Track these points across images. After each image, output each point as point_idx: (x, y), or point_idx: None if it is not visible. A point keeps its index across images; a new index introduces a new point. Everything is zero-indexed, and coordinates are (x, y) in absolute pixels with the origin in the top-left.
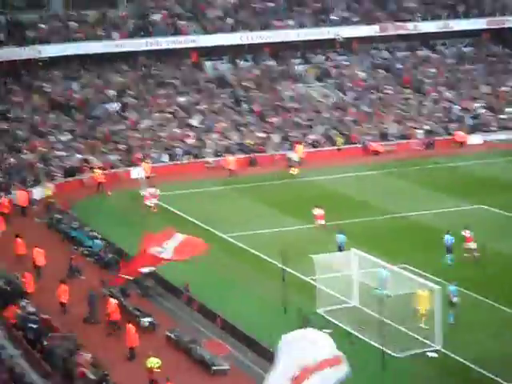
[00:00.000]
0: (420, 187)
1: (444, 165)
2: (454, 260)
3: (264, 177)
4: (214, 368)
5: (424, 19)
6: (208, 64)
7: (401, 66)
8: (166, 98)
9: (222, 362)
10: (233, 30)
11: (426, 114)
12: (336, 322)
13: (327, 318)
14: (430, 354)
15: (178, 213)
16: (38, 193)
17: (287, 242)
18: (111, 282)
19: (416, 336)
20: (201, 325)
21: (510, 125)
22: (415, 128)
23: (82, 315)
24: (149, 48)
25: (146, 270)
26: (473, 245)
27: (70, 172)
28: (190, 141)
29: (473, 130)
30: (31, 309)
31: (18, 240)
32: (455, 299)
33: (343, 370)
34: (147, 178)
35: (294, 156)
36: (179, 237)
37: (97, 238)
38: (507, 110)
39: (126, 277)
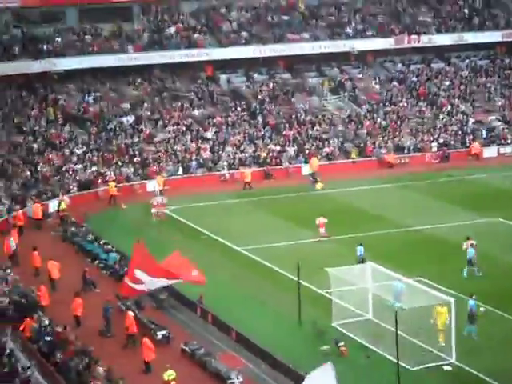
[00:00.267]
0: (435, 200)
1: (459, 178)
2: (477, 272)
3: (279, 189)
4: (229, 381)
5: (439, 32)
6: (223, 77)
7: (415, 79)
8: (181, 111)
9: (237, 375)
10: (247, 43)
11: (441, 126)
12: (351, 335)
13: (342, 331)
14: (445, 367)
15: (193, 226)
16: (53, 206)
17: (302, 255)
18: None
19: (431, 349)
20: (215, 337)
21: None
22: (430, 141)
23: (96, 328)
24: (163, 61)
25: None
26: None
27: (84, 185)
28: (205, 154)
29: (487, 142)
30: (46, 322)
31: (35, 253)
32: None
33: None
34: (162, 190)
35: (307, 169)
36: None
37: (112, 250)
38: None
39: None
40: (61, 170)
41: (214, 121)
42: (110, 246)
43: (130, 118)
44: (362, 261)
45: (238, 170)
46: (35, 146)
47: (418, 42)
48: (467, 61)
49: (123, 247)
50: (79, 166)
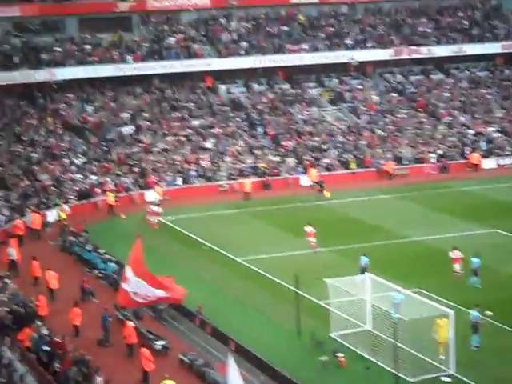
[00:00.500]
0: (433, 211)
1: (458, 189)
2: (480, 283)
3: (278, 200)
4: None
5: (438, 43)
6: (222, 87)
7: (415, 90)
8: (180, 121)
9: None
10: (247, 53)
11: (440, 138)
12: (350, 346)
13: (341, 341)
14: (444, 379)
15: (192, 236)
16: (52, 215)
17: (301, 266)
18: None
19: (430, 361)
20: (214, 348)
21: None
22: (429, 152)
23: (95, 338)
24: (163, 71)
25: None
26: (458, 266)
27: (83, 195)
28: (204, 164)
29: (487, 154)
30: (45, 331)
31: (34, 262)
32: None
33: None
34: (161, 200)
35: (306, 180)
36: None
37: (111, 260)
38: None
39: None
40: (60, 180)
41: (214, 131)
42: (108, 256)
43: (130, 128)
44: (365, 271)
45: (237, 180)
46: (35, 155)
47: (418, 53)
48: (467, 72)
49: (122, 257)
50: (78, 176)
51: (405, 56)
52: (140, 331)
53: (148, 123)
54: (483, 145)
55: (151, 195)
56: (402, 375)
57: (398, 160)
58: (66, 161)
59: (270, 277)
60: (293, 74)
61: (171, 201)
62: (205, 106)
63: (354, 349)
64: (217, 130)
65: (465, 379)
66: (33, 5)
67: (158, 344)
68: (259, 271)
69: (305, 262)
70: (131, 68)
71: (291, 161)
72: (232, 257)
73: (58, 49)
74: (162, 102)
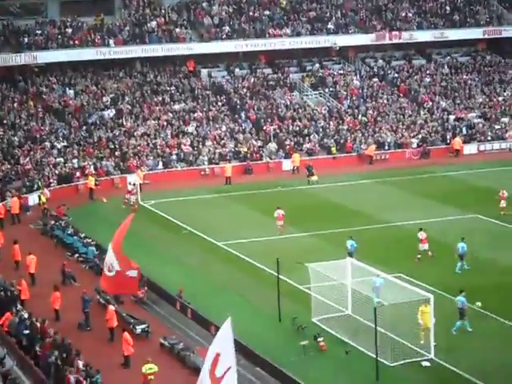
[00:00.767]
0: (414, 196)
1: (439, 174)
2: (461, 269)
3: (259, 185)
4: None
5: (420, 28)
6: (204, 72)
7: (396, 75)
8: (162, 105)
9: None
10: (229, 37)
11: (421, 123)
12: (331, 331)
13: (322, 326)
14: (424, 363)
15: (173, 220)
16: (33, 199)
17: (282, 250)
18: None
19: (410, 345)
20: (194, 332)
21: (505, 135)
22: (410, 137)
23: (76, 322)
24: (145, 55)
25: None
26: (426, 246)
27: (65, 178)
28: (186, 148)
29: (468, 139)
30: (25, 315)
31: (16, 246)
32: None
33: None
34: (142, 184)
35: (289, 164)
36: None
37: (91, 244)
38: (502, 119)
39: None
40: (41, 164)
41: (195, 115)
42: (89, 240)
43: (111, 112)
44: (352, 255)
45: (218, 164)
46: (15, 139)
47: (399, 38)
48: (448, 57)
49: (103, 241)
50: (59, 160)
51: (386, 41)
52: (121, 315)
53: (129, 107)
54: (464, 130)
55: (132, 179)
56: (381, 359)
57: (380, 145)
58: (47, 144)
59: (251, 261)
60: (275, 58)
61: (152, 185)
62: (186, 90)
63: (334, 333)
64: (198, 115)
65: (444, 363)
66: None
67: (139, 328)
68: (240, 255)
69: (286, 247)
70: (113, 52)
71: (273, 145)
72: (213, 241)
73: (40, 32)
74: (144, 86)
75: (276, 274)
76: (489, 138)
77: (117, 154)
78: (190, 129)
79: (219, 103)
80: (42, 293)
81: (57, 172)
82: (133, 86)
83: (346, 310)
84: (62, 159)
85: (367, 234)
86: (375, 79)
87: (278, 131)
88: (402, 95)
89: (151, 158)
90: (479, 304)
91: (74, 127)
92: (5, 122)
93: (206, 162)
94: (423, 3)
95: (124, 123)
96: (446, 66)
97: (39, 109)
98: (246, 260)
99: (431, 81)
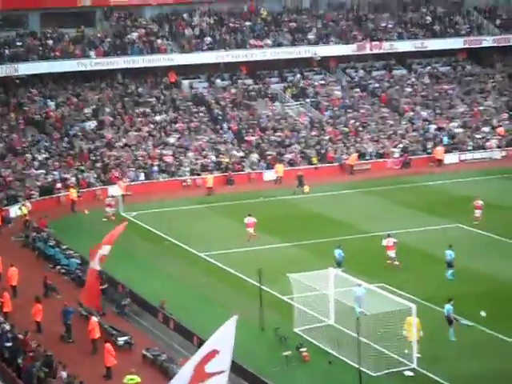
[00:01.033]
0: (396, 206)
1: (420, 184)
2: (454, 275)
3: (241, 195)
4: None
5: (400, 39)
6: (185, 83)
7: (377, 85)
8: (143, 116)
9: None
10: (210, 48)
11: (402, 133)
12: (313, 341)
13: (304, 336)
14: (407, 373)
15: (155, 231)
16: (14, 211)
17: (264, 261)
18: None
19: (392, 355)
20: (177, 343)
21: (486, 144)
22: (391, 147)
23: (58, 334)
24: (126, 66)
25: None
26: (393, 253)
27: (46, 190)
28: (167, 159)
29: (449, 149)
30: (7, 327)
31: None
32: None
33: None
34: (123, 196)
35: (271, 175)
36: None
37: (73, 256)
38: (483, 129)
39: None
40: (22, 176)
41: (177, 126)
42: (71, 252)
43: (92, 124)
44: (339, 265)
45: (200, 175)
46: None
47: (380, 48)
48: (429, 67)
49: (85, 253)
50: (41, 171)
51: (367, 51)
52: (103, 327)
53: (111, 118)
54: (445, 140)
55: (114, 191)
56: (364, 369)
57: (361, 155)
58: (29, 156)
59: (233, 272)
60: (256, 69)
61: (134, 196)
62: (168, 101)
63: (317, 343)
64: (180, 125)
65: (427, 373)
66: None
67: (122, 340)
68: (222, 266)
69: (268, 257)
70: (94, 63)
71: (254, 156)
72: (195, 252)
73: (20, 43)
74: (125, 97)
75: (258, 285)
76: (469, 148)
77: (98, 165)
78: (172, 140)
79: (200, 114)
80: (24, 305)
81: (38, 184)
82: (114, 98)
83: (329, 320)
84: (43, 171)
85: (350, 244)
86: (356, 89)
87: (259, 142)
88: (383, 105)
89: (133, 169)
90: (484, 314)
91: (55, 139)
92: None
93: (187, 173)
94: (404, 13)
95: (105, 134)
96: (426, 76)
97: (20, 120)
98: (228, 271)
99: (412, 91)
